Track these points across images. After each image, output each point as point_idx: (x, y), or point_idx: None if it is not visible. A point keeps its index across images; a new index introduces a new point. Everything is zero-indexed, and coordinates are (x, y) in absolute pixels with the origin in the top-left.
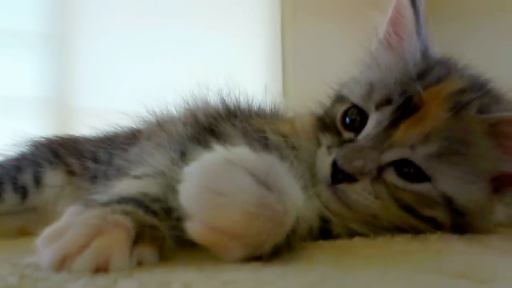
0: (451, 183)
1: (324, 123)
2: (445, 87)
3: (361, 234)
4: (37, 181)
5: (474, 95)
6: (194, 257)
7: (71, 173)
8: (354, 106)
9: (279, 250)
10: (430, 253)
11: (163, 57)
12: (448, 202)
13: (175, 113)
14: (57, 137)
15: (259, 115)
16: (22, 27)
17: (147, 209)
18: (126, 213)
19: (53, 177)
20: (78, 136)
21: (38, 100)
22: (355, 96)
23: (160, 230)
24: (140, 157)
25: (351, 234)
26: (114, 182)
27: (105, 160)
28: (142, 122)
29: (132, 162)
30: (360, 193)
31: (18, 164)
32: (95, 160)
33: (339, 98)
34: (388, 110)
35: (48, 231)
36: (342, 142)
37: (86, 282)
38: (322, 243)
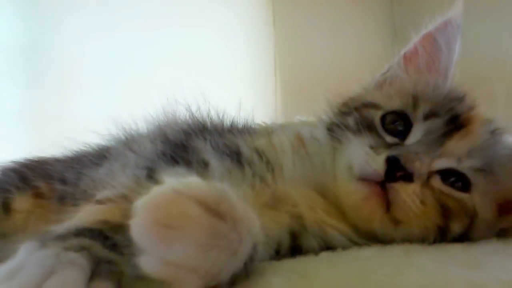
0: (480, 199)
1: (359, 125)
2: (481, 113)
3: (331, 248)
4: (6, 208)
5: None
6: None
7: (39, 195)
8: (394, 112)
9: (236, 279)
10: (390, 272)
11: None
12: (473, 217)
13: (145, 130)
14: (26, 160)
15: (231, 130)
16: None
17: (106, 240)
18: (82, 248)
19: (22, 202)
20: (47, 158)
21: (19, 111)
22: (397, 104)
23: (117, 265)
24: (106, 178)
25: (322, 248)
26: (77, 207)
27: (72, 181)
28: (111, 140)
29: (98, 183)
30: (410, 194)
31: None
32: (63, 181)
33: (368, 104)
34: (438, 122)
35: (1, 270)
36: (388, 145)
37: None
38: (284, 265)
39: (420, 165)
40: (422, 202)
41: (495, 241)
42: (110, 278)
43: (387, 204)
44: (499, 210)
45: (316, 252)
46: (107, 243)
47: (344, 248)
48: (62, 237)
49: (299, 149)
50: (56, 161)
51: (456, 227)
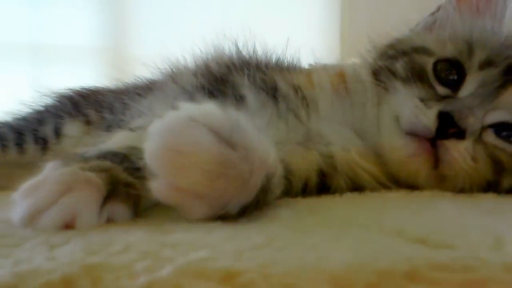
0: None
1: (409, 73)
2: None
3: (360, 189)
4: (57, 132)
5: None
6: (166, 214)
7: (88, 123)
8: (447, 60)
9: (247, 209)
10: (408, 212)
11: None
12: None
13: (193, 64)
14: (81, 88)
15: (274, 66)
16: None
17: (131, 164)
18: (101, 169)
19: (72, 128)
20: (101, 87)
21: (95, 49)
22: (450, 51)
23: (136, 188)
24: (146, 109)
25: (349, 189)
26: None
27: (119, 111)
28: (159, 74)
29: (140, 113)
30: (462, 152)
31: (39, 116)
32: (111, 110)
33: (419, 49)
34: (494, 72)
35: (25, 185)
36: (440, 97)
37: (42, 240)
38: (300, 202)
39: (474, 121)
40: (473, 158)
41: None
42: (126, 201)
43: (436, 161)
44: None
45: (343, 192)
46: (130, 167)
47: (373, 190)
48: (86, 159)
49: (339, 87)
50: (108, 91)
51: (507, 182)
